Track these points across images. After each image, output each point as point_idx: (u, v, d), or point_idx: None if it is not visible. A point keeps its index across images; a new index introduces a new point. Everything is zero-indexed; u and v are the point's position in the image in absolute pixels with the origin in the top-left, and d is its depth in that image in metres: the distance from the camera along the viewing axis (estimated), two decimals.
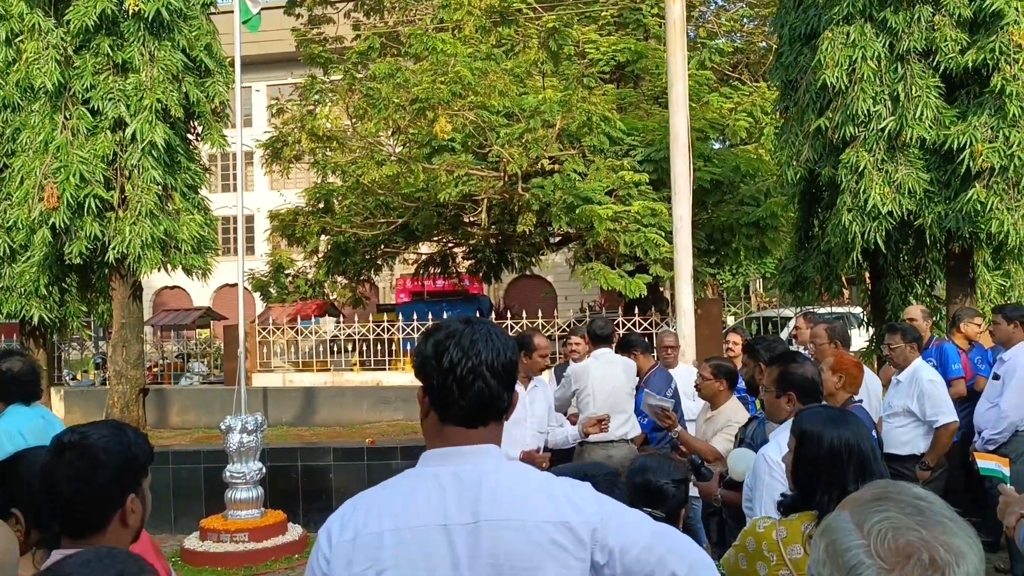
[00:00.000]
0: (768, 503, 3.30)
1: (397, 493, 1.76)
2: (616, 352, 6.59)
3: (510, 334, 5.64)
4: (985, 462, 4.70)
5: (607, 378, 6.24)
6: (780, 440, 3.41)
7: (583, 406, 6.25)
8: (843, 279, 14.48)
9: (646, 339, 9.34)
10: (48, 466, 1.85)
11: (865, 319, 13.03)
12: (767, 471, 3.37)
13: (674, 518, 2.57)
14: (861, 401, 4.50)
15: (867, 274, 11.72)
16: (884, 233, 9.04)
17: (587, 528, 1.70)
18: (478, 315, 15.60)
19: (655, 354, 7.14)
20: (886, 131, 8.86)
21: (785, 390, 3.56)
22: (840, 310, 18.50)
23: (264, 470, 8.27)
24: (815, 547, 1.10)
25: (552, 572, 1.67)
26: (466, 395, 1.75)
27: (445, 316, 15.90)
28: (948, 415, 5.66)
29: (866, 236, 9.06)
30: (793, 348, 6.80)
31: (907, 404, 5.71)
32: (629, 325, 14.14)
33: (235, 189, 9.13)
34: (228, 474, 8.14)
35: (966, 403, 6.36)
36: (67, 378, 18.32)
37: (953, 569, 1.00)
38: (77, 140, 11.86)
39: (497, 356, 1.78)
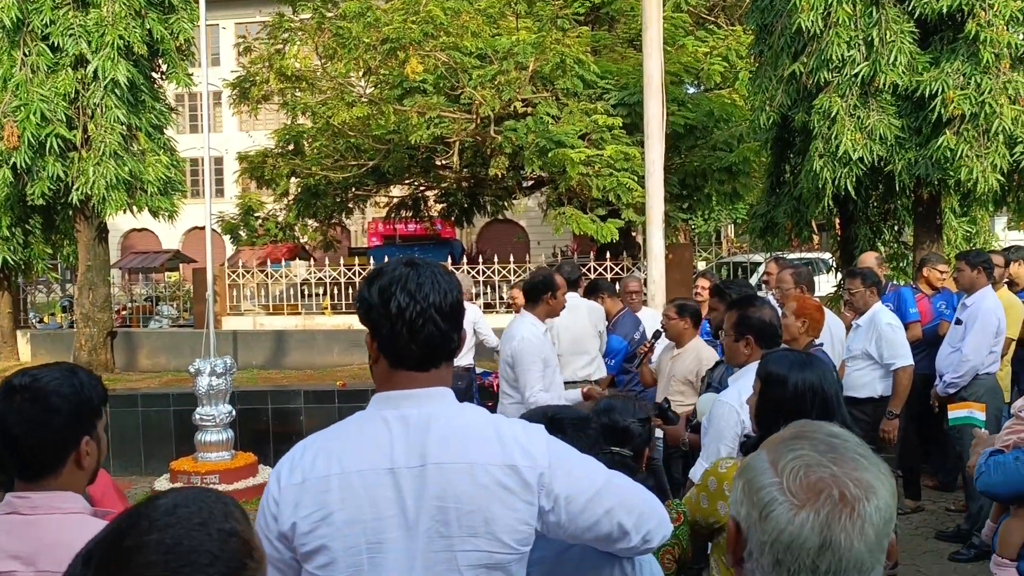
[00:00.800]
0: (712, 448, 3.33)
1: (346, 436, 1.75)
2: (584, 296, 6.64)
3: (538, 274, 5.57)
4: (957, 412, 4.77)
5: (572, 321, 6.29)
6: (739, 386, 3.42)
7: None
8: (813, 225, 14.58)
9: (616, 284, 9.41)
10: None
11: (834, 264, 13.15)
12: (720, 416, 3.40)
13: (639, 456, 2.60)
14: (822, 345, 4.55)
15: (837, 220, 11.81)
16: (854, 179, 9.09)
17: (534, 472, 1.69)
18: (450, 259, 15.61)
19: (622, 298, 7.19)
20: (859, 76, 8.84)
21: (743, 334, 3.57)
22: (810, 256, 18.66)
23: (234, 413, 8.27)
24: (735, 486, 1.11)
25: (499, 514, 1.67)
26: (417, 340, 1.72)
27: None
28: (904, 358, 5.73)
29: (837, 182, 9.10)
30: (763, 293, 6.88)
31: (866, 347, 5.79)
32: (600, 270, 14.18)
33: (203, 130, 8.95)
34: (198, 417, 8.14)
35: (923, 347, 6.46)
36: (33, 321, 18.10)
37: (863, 504, 1.02)
38: (37, 77, 11.54)
39: (444, 297, 1.76)
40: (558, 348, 6.21)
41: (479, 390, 8.25)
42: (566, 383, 6.15)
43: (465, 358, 7.59)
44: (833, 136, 8.96)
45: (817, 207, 9.93)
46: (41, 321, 18.70)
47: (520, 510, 1.68)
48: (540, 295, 5.33)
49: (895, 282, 7.99)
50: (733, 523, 1.10)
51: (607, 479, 1.77)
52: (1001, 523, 3.23)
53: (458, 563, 1.66)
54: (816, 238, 18.28)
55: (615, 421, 2.59)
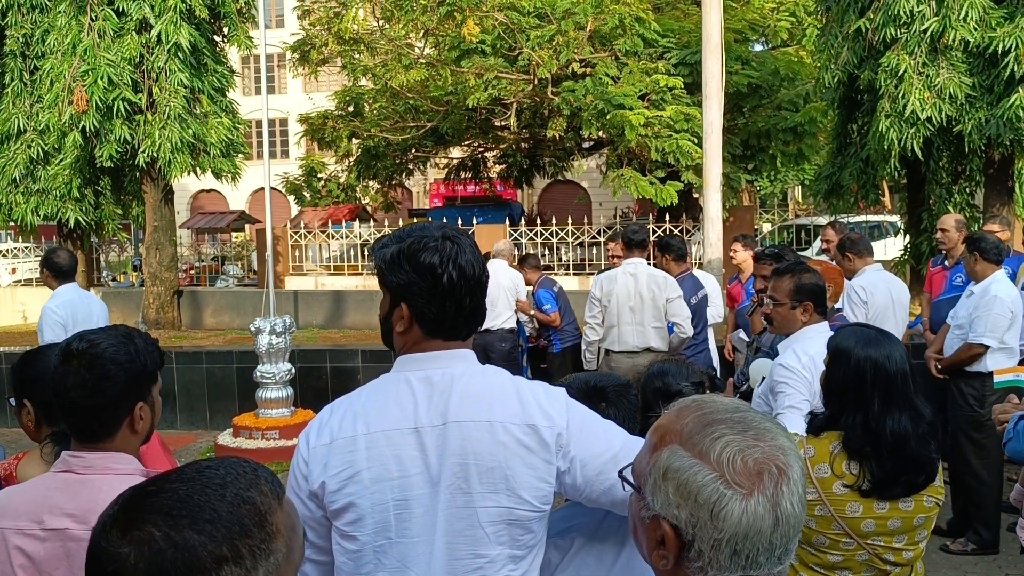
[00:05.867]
0: (788, 418, 3.26)
1: (371, 398, 1.78)
2: (656, 251, 6.60)
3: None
4: (1002, 376, 4.61)
5: (632, 290, 6.25)
6: (797, 349, 3.38)
7: (606, 314, 6.30)
8: (885, 186, 14.14)
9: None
10: (58, 372, 1.84)
11: (902, 228, 12.80)
12: (785, 377, 3.34)
13: None
14: (841, 310, 4.44)
15: (905, 182, 11.48)
16: (922, 140, 8.80)
17: (552, 432, 1.71)
18: (508, 221, 15.60)
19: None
20: (928, 33, 8.51)
21: (801, 301, 3.50)
22: (877, 219, 18.17)
23: (294, 370, 8.43)
24: (661, 491, 1.06)
25: (519, 471, 1.69)
26: (462, 313, 1.76)
27: (475, 222, 15.89)
28: (984, 337, 5.18)
29: (903, 143, 8.83)
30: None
31: (970, 313, 5.33)
32: (660, 232, 14.04)
33: (262, 92, 9.08)
34: (258, 374, 8.31)
35: None
36: (107, 279, 18.71)
37: (792, 470, 1.03)
38: (104, 42, 11.80)
39: (483, 271, 1.79)
40: (613, 318, 6.18)
41: (532, 351, 8.28)
42: (629, 352, 6.15)
43: (509, 321, 7.61)
44: (900, 95, 8.68)
45: (884, 169, 9.65)
46: (114, 280, 19.34)
47: (539, 468, 1.70)
48: None
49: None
50: (670, 528, 1.05)
51: (624, 444, 1.77)
52: None
53: (479, 519, 1.68)
54: (886, 200, 17.78)
55: (668, 385, 2.56)
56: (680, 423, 1.08)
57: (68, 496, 1.77)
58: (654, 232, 13.92)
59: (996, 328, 5.21)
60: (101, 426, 1.84)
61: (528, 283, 7.86)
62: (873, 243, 13.74)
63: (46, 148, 12.62)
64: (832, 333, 2.68)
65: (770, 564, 1.02)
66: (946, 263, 6.42)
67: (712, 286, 6.88)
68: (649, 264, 6.46)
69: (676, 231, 14.04)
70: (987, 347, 5.18)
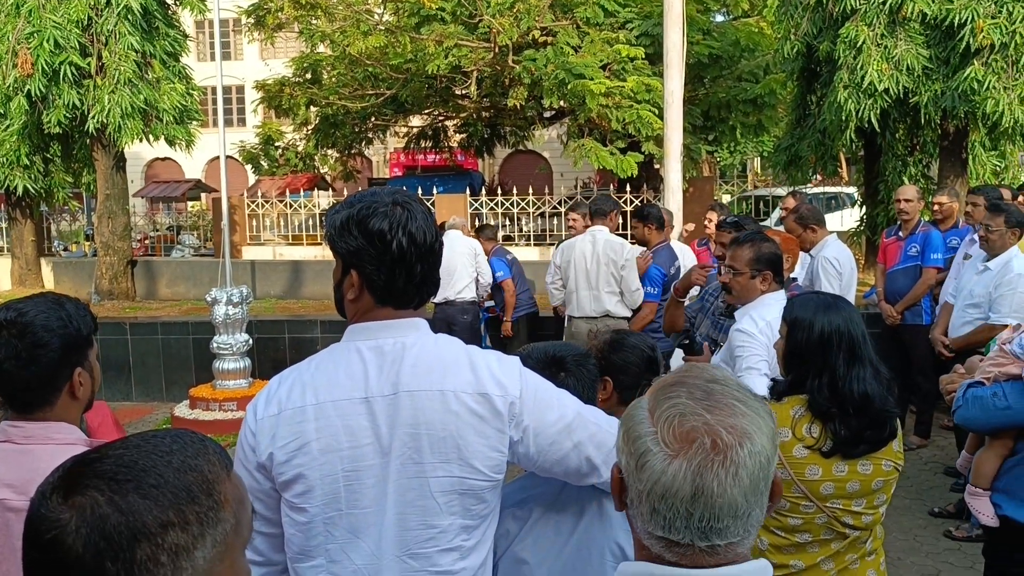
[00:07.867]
0: (747, 371, 3.30)
1: (321, 368, 1.75)
2: (635, 219, 6.55)
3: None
4: None
5: (587, 256, 6.26)
6: (754, 314, 3.43)
7: (566, 281, 6.34)
8: (842, 158, 14.30)
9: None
10: None
11: (859, 199, 12.95)
12: (743, 341, 3.38)
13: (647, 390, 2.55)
14: (796, 279, 4.51)
15: (862, 154, 11.60)
16: (879, 112, 8.88)
17: (504, 401, 1.69)
18: (468, 191, 15.48)
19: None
20: (887, 4, 8.57)
21: (760, 270, 3.54)
22: (833, 190, 18.38)
23: (251, 341, 8.36)
24: (620, 433, 1.11)
25: (471, 440, 1.67)
26: (413, 280, 1.72)
27: (435, 191, 15.77)
28: (1008, 318, 4.75)
29: (861, 114, 8.90)
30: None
31: (989, 291, 5.09)
32: (620, 202, 14.05)
33: (223, 58, 8.87)
34: (215, 345, 8.23)
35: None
36: (58, 249, 18.31)
37: (736, 450, 1.01)
38: (50, 3, 11.42)
39: (436, 237, 1.76)
40: (572, 284, 6.22)
41: (491, 322, 8.28)
42: (588, 318, 6.18)
43: (468, 291, 7.57)
44: (859, 66, 8.74)
45: (840, 140, 9.75)
46: (66, 249, 18.92)
47: (492, 437, 1.68)
48: None
49: (925, 220, 7.50)
50: (616, 470, 1.11)
51: (578, 413, 1.77)
52: (976, 454, 3.24)
53: (431, 489, 1.67)
54: (843, 171, 17.98)
55: (625, 358, 2.54)
56: (663, 379, 1.12)
57: (7, 466, 1.73)
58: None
59: (1021, 308, 4.92)
60: (38, 396, 1.80)
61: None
62: (830, 214, 13.91)
63: None
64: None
65: (690, 535, 1.02)
66: (899, 234, 6.48)
67: (688, 258, 6.85)
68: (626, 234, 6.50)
69: (637, 201, 14.06)
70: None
